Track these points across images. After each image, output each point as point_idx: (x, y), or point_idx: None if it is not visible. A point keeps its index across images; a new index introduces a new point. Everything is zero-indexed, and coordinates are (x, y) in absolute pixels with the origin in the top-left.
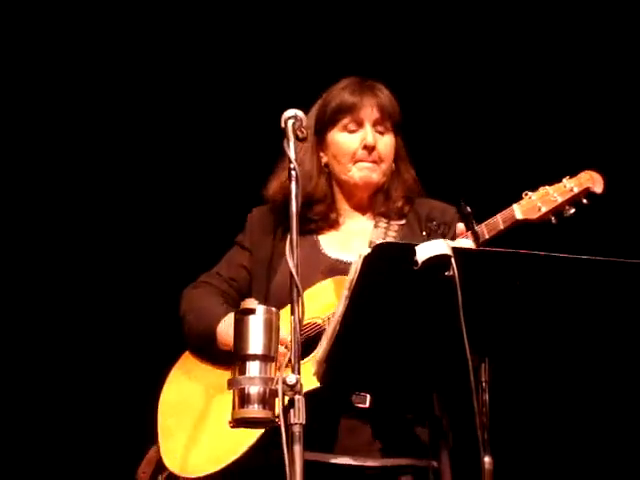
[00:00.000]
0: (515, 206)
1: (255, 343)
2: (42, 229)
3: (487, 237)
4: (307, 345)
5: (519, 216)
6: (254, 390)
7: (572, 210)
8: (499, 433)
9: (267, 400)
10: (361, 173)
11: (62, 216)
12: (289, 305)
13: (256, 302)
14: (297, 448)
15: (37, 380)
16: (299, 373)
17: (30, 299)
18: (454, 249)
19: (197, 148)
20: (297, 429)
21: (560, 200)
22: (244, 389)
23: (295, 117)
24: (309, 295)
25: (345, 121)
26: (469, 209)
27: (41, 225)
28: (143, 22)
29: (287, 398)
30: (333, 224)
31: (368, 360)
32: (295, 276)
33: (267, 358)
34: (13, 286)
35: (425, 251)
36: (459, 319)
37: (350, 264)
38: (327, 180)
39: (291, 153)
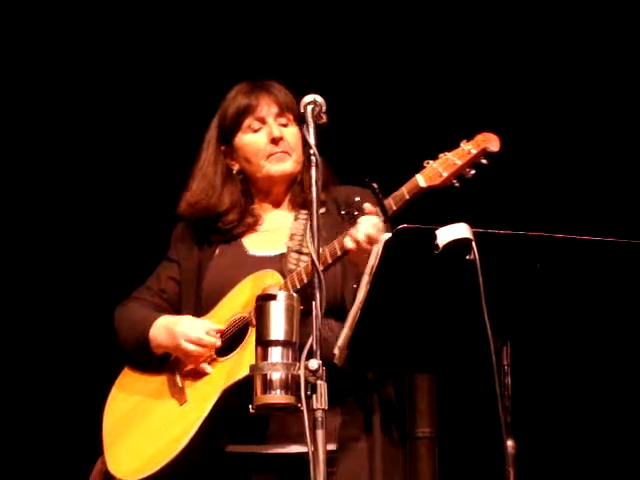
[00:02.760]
0: (418, 175)
1: (277, 329)
2: None
3: (395, 209)
4: (232, 341)
5: (423, 184)
6: (276, 376)
7: (472, 171)
8: (522, 417)
9: (289, 386)
10: (275, 167)
11: None
12: (217, 305)
13: (277, 288)
14: (320, 433)
15: None
16: (320, 359)
17: None
18: (475, 232)
19: (126, 166)
20: (320, 414)
21: (460, 163)
22: (266, 375)
23: (314, 102)
24: (231, 297)
25: (247, 122)
26: (375, 185)
27: None
28: None
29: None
30: (253, 225)
31: (390, 345)
32: (317, 264)
33: (289, 344)
34: None
35: (446, 235)
36: (480, 302)
37: (273, 257)
38: (239, 187)
39: (310, 138)
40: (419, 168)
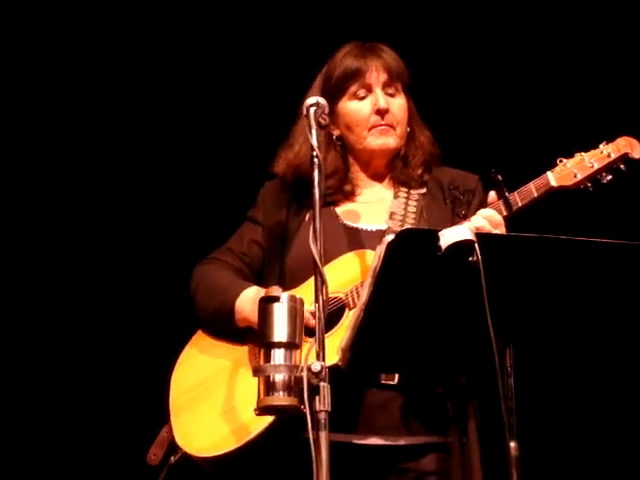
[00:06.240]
0: (549, 173)
1: (280, 331)
2: (46, 213)
3: (520, 205)
4: (329, 319)
5: (554, 183)
6: (279, 378)
7: (609, 177)
8: (525, 418)
9: (292, 387)
10: (377, 140)
11: (67, 193)
12: (306, 281)
13: (280, 290)
14: (323, 435)
15: (48, 364)
16: (324, 360)
17: (40, 284)
18: (478, 234)
19: (204, 125)
20: (322, 416)
21: (597, 166)
22: (269, 377)
23: (317, 104)
24: (331, 268)
25: (353, 88)
26: (500, 177)
27: (45, 209)
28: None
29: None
30: (349, 195)
31: (393, 347)
32: (319, 265)
33: (292, 345)
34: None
35: (449, 237)
36: (483, 304)
37: (371, 232)
38: (339, 152)
39: (313, 141)
40: (549, 164)
